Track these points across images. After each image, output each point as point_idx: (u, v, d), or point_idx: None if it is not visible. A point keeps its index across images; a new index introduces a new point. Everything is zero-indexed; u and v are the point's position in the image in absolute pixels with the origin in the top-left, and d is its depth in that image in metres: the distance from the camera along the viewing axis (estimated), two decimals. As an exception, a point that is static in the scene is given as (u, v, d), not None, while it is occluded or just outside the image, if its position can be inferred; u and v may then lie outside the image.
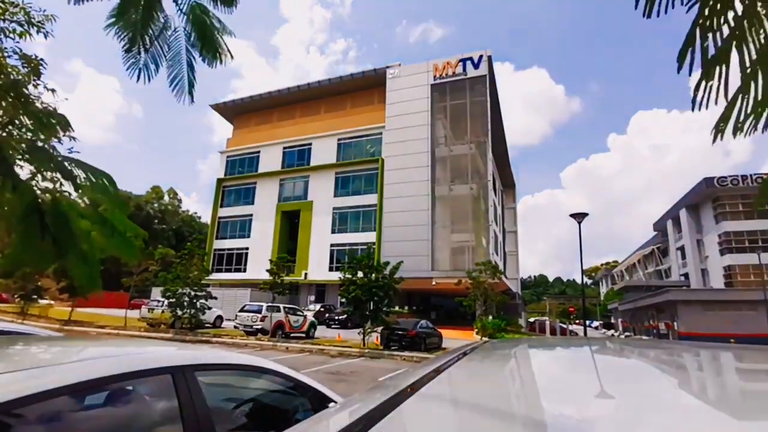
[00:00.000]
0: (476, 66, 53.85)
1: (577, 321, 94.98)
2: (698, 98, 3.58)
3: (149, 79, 6.03)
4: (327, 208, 58.90)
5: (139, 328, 34.71)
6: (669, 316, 49.81)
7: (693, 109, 3.59)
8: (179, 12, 5.87)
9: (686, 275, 72.80)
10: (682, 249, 74.94)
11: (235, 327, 34.07)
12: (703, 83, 3.54)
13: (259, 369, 3.25)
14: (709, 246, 67.71)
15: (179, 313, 33.28)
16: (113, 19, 5.69)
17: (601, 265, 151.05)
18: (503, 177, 79.62)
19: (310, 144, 63.73)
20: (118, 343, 3.50)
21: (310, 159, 63.04)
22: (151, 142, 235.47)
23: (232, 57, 6.33)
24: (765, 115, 3.60)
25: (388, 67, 59.70)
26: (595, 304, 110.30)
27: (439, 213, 52.87)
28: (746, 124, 3.66)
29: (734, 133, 3.73)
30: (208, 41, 6.03)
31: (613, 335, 77.50)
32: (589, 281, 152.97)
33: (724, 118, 3.71)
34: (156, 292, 45.16)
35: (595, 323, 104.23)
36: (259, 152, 67.42)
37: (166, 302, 34.30)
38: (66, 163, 5.90)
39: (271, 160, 65.79)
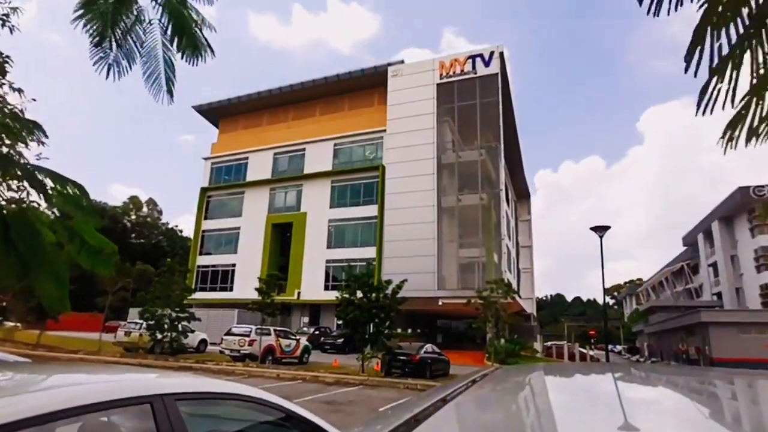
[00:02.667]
0: (487, 63, 53.81)
1: (599, 345, 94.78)
2: (705, 101, 3.60)
3: (119, 76, 6.02)
4: (322, 221, 58.82)
5: (115, 353, 34.58)
6: (700, 340, 49.61)
7: (697, 113, 3.61)
8: (153, 2, 5.85)
9: (719, 294, 72.61)
10: (714, 265, 74.78)
11: (221, 352, 33.83)
12: (712, 84, 3.55)
13: (247, 398, 3.23)
14: (744, 262, 67.56)
15: (159, 336, 33.24)
16: (81, 11, 5.68)
17: (625, 283, 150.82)
18: (517, 186, 79.54)
19: (304, 149, 63.73)
20: (91, 369, 3.50)
21: (304, 166, 62.97)
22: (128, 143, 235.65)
23: (213, 54, 6.31)
24: None
25: (389, 64, 59.69)
26: (618, 326, 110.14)
27: (446, 226, 52.77)
28: (762, 130, 3.67)
29: (747, 141, 3.74)
30: (186, 36, 6.01)
31: (637, 361, 77.35)
32: (612, 301, 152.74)
33: (733, 124, 3.72)
34: (133, 313, 45.01)
35: (619, 347, 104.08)
36: (247, 158, 67.40)
37: (144, 324, 34.24)
38: (34, 172, 5.87)
39: (260, 167, 65.75)
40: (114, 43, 5.83)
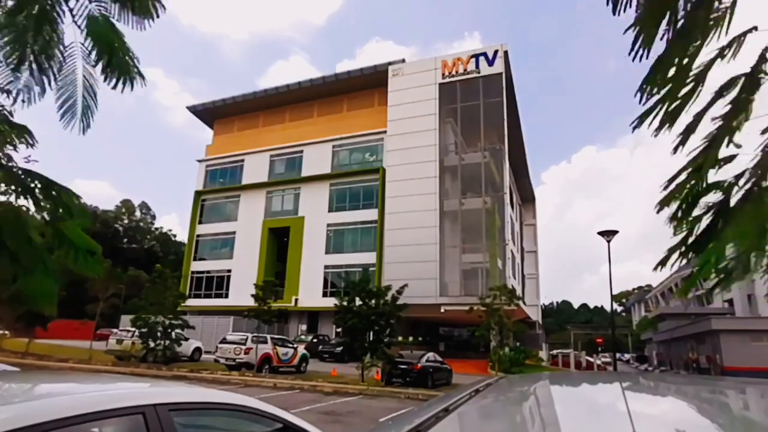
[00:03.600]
0: (491, 62, 53.69)
1: (606, 353, 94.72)
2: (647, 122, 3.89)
3: (30, 102, 5.91)
4: (320, 225, 58.80)
5: (106, 362, 34.57)
6: (711, 348, 49.54)
7: (634, 130, 3.92)
8: (75, 24, 5.70)
9: (730, 301, 72.45)
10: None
11: (216, 360, 33.83)
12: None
13: (243, 409, 3.23)
14: (756, 268, 67.42)
15: (152, 344, 33.22)
16: None
17: (633, 289, 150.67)
18: (521, 189, 79.62)
19: (302, 151, 63.76)
20: (81, 378, 3.49)
21: (302, 168, 62.99)
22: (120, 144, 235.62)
23: (144, 82, 6.20)
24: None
25: (390, 63, 59.57)
26: (627, 334, 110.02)
27: (449, 230, 52.77)
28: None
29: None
30: (114, 61, 5.90)
31: (646, 370, 77.31)
32: (620, 308, 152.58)
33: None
34: (125, 321, 44.99)
35: (627, 356, 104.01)
36: (243, 161, 67.45)
37: (136, 332, 34.22)
38: (22, 175, 5.85)
39: (256, 169, 65.77)
40: (31, 66, 5.71)
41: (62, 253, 6.25)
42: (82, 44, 5.83)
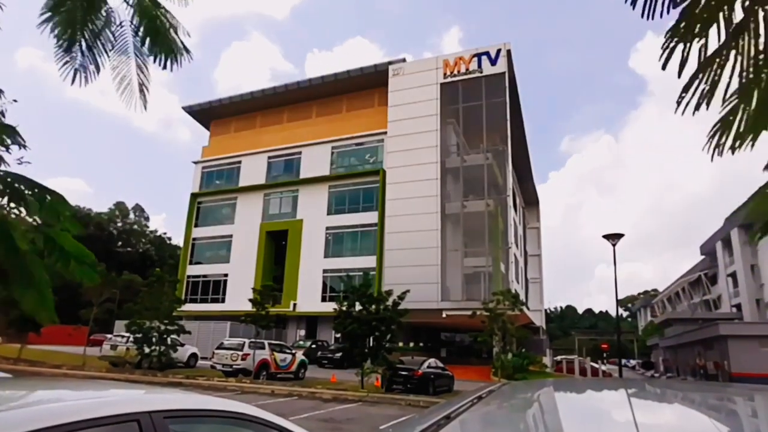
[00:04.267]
0: (493, 62, 53.62)
1: (611, 360, 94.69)
2: (685, 101, 3.64)
3: (87, 82, 6.00)
4: (319, 228, 58.75)
5: (100, 368, 34.57)
6: (718, 354, 49.54)
7: (676, 111, 3.65)
8: (125, 3, 5.83)
9: (739, 306, 72.49)
10: (733, 275, 74.66)
11: (212, 367, 33.71)
12: (694, 85, 3.59)
13: (240, 416, 3.22)
14: (766, 272, 67.45)
15: (147, 350, 33.21)
16: (48, 14, 5.67)
17: (639, 294, 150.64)
18: (525, 192, 79.63)
19: (300, 153, 63.70)
20: (74, 384, 3.48)
21: (300, 170, 62.92)
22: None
23: (190, 56, 6.28)
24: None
25: (390, 63, 59.55)
26: (632, 340, 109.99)
27: (450, 234, 52.71)
28: (748, 136, 3.70)
29: (734, 148, 3.77)
30: (160, 38, 5.98)
31: (652, 376, 77.23)
32: (625, 313, 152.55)
33: (720, 129, 3.75)
34: (120, 326, 44.86)
35: (632, 362, 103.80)
36: (239, 162, 67.38)
37: (131, 338, 34.21)
38: (10, 179, 5.84)
39: (253, 171, 65.71)
40: (82, 48, 5.81)
41: (53, 260, 6.24)
42: (131, 23, 5.93)
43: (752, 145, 3.76)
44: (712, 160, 3.88)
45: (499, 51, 53.62)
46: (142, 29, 5.95)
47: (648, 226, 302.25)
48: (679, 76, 3.62)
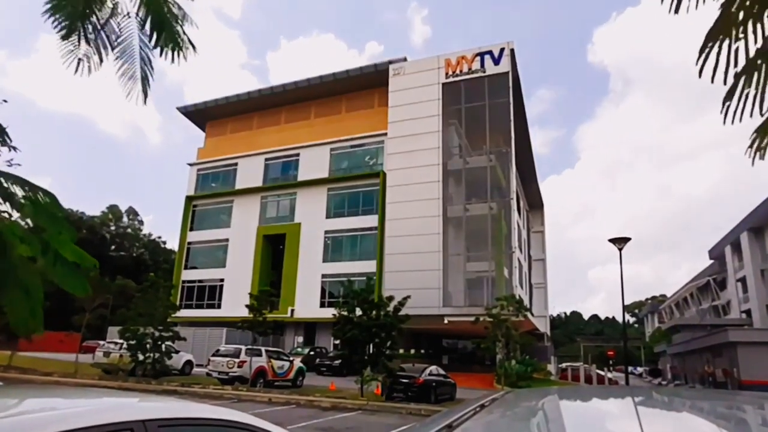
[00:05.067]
0: (496, 61, 53.55)
1: (618, 367, 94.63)
2: (732, 107, 3.56)
3: (90, 71, 6.02)
4: (318, 232, 58.76)
5: (93, 376, 34.50)
6: (727, 361, 49.51)
7: (725, 122, 3.57)
8: None
9: (748, 312, 72.39)
10: (743, 280, 74.53)
11: (208, 374, 33.77)
12: (738, 89, 3.52)
13: (236, 425, 3.22)
14: (776, 277, 67.44)
15: (141, 357, 33.13)
16: (54, 2, 5.68)
17: (646, 299, 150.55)
18: (529, 195, 79.62)
19: (298, 154, 63.71)
20: (66, 393, 3.49)
21: (298, 172, 62.94)
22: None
23: (195, 50, 6.29)
24: None
25: (390, 62, 59.44)
26: (639, 346, 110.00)
27: (453, 238, 52.65)
28: None
29: None
30: (166, 31, 5.99)
31: (660, 384, 77.14)
32: (632, 319, 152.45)
33: (762, 131, 3.70)
34: (113, 333, 44.90)
35: (639, 369, 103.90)
36: (236, 164, 67.41)
37: (124, 344, 34.16)
38: (2, 179, 5.82)
39: (250, 173, 65.71)
40: (84, 36, 5.83)
41: (47, 264, 6.18)
42: (137, 14, 5.96)
43: None
44: (753, 163, 3.84)
45: (502, 50, 53.52)
46: (149, 21, 5.96)
47: (641, 227, 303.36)
48: (712, 81, 3.55)
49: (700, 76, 3.54)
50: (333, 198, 59.66)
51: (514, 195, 53.35)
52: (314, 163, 61.81)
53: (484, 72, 53.77)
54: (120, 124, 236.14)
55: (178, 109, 71.85)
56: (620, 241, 28.49)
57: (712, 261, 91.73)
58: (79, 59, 5.91)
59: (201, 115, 72.57)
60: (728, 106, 3.54)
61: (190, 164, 70.89)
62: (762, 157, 3.77)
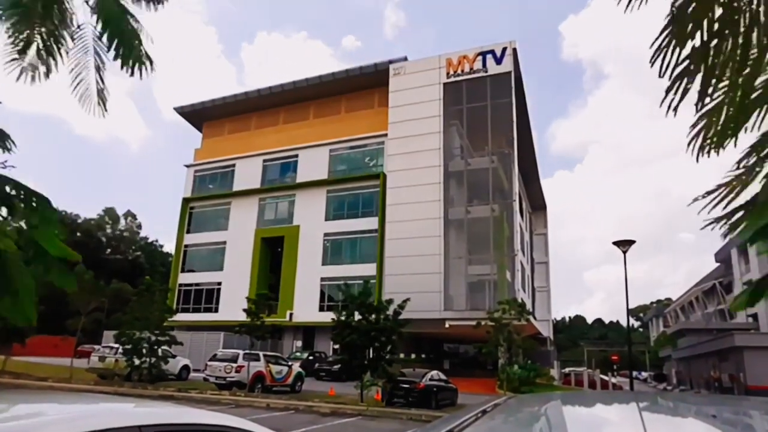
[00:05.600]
0: (498, 61, 53.48)
1: (622, 372, 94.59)
2: (668, 101, 3.71)
3: (33, 81, 5.98)
4: (317, 235, 58.74)
5: (88, 381, 34.45)
6: (734, 366, 49.48)
7: (667, 114, 3.73)
8: (86, 3, 5.80)
9: (755, 316, 72.27)
10: (750, 284, 74.23)
11: (205, 379, 33.70)
12: (676, 86, 3.67)
13: (233, 431, 3.22)
14: (783, 279, 67.24)
15: (137, 362, 33.14)
16: (8, 11, 5.62)
17: (651, 303, 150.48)
18: (532, 197, 79.58)
19: (297, 156, 63.73)
20: (61, 398, 3.48)
21: (297, 174, 63.00)
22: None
23: (152, 66, 6.26)
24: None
25: (391, 62, 59.39)
26: (644, 351, 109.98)
27: (454, 240, 52.63)
28: (727, 137, 3.83)
29: (718, 147, 3.91)
30: (125, 44, 5.95)
31: (665, 389, 77.16)
32: (636, 323, 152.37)
33: (703, 129, 3.86)
34: (108, 337, 44.80)
35: (644, 374, 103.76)
36: (234, 166, 67.41)
37: (120, 349, 34.17)
38: None
39: (248, 175, 65.69)
40: (39, 48, 5.80)
41: (36, 261, 6.17)
42: (94, 26, 5.92)
43: (735, 143, 3.88)
44: (697, 160, 4.01)
45: (504, 49, 53.45)
46: (106, 34, 5.92)
47: (639, 227, 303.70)
48: (662, 75, 3.68)
49: (652, 67, 3.72)
50: (332, 200, 59.64)
51: (516, 197, 53.31)
52: (313, 165, 61.79)
53: (486, 72, 53.70)
54: (117, 125, 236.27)
55: (175, 109, 71.82)
56: (624, 244, 28.46)
57: (718, 264, 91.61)
58: (23, 68, 5.89)
59: (198, 115, 72.56)
60: (665, 100, 3.72)
61: (187, 166, 70.90)
62: (705, 155, 3.97)
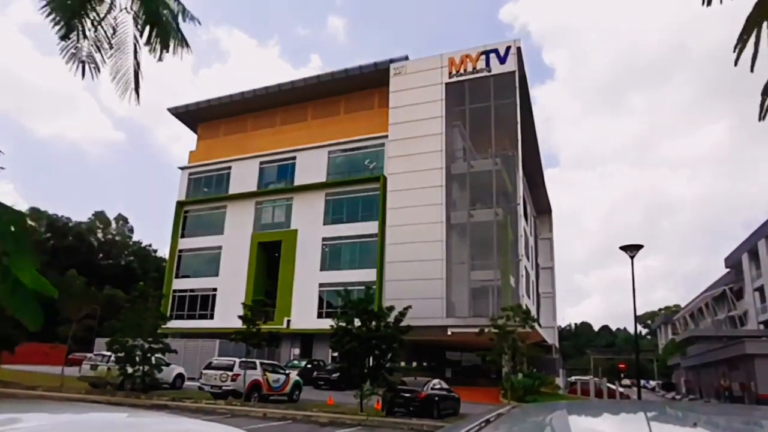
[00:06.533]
0: (502, 60, 53.40)
1: (629, 380, 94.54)
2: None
3: (96, 73, 5.98)
4: (315, 239, 58.71)
5: (80, 390, 34.37)
6: (744, 375, 49.44)
7: (761, 117, 3.61)
8: None
9: (766, 323, 72.37)
10: (761, 290, 74.41)
11: (200, 388, 33.50)
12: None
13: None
14: (795, 286, 67.38)
15: (130, 370, 33.09)
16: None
17: (659, 310, 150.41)
18: (536, 200, 79.56)
19: (294, 158, 63.68)
20: (52, 408, 3.48)
21: (294, 177, 62.94)
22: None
23: (189, 49, 6.24)
24: None
25: (391, 61, 59.26)
26: (652, 359, 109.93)
27: (456, 245, 52.61)
28: None
29: None
30: (160, 27, 5.93)
31: (673, 398, 77.10)
32: (644, 330, 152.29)
33: None
34: (100, 344, 44.72)
35: (652, 383, 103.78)
36: (229, 168, 67.38)
37: (112, 357, 34.12)
38: None
39: (244, 177, 65.66)
40: (83, 35, 5.77)
41: (5, 290, 5.70)
42: (131, 9, 5.92)
43: None
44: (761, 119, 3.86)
45: (508, 48, 53.43)
46: (142, 17, 5.90)
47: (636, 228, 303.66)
48: (752, 70, 3.55)
49: (735, 64, 3.55)
50: (331, 203, 59.60)
51: (520, 200, 53.28)
52: (311, 167, 61.74)
53: (490, 71, 53.59)
54: (116, 125, 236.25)
55: (169, 110, 71.72)
56: (632, 249, 28.45)
57: (728, 270, 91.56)
58: (82, 61, 5.86)
59: (192, 116, 72.59)
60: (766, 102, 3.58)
61: (181, 168, 70.84)
62: None
